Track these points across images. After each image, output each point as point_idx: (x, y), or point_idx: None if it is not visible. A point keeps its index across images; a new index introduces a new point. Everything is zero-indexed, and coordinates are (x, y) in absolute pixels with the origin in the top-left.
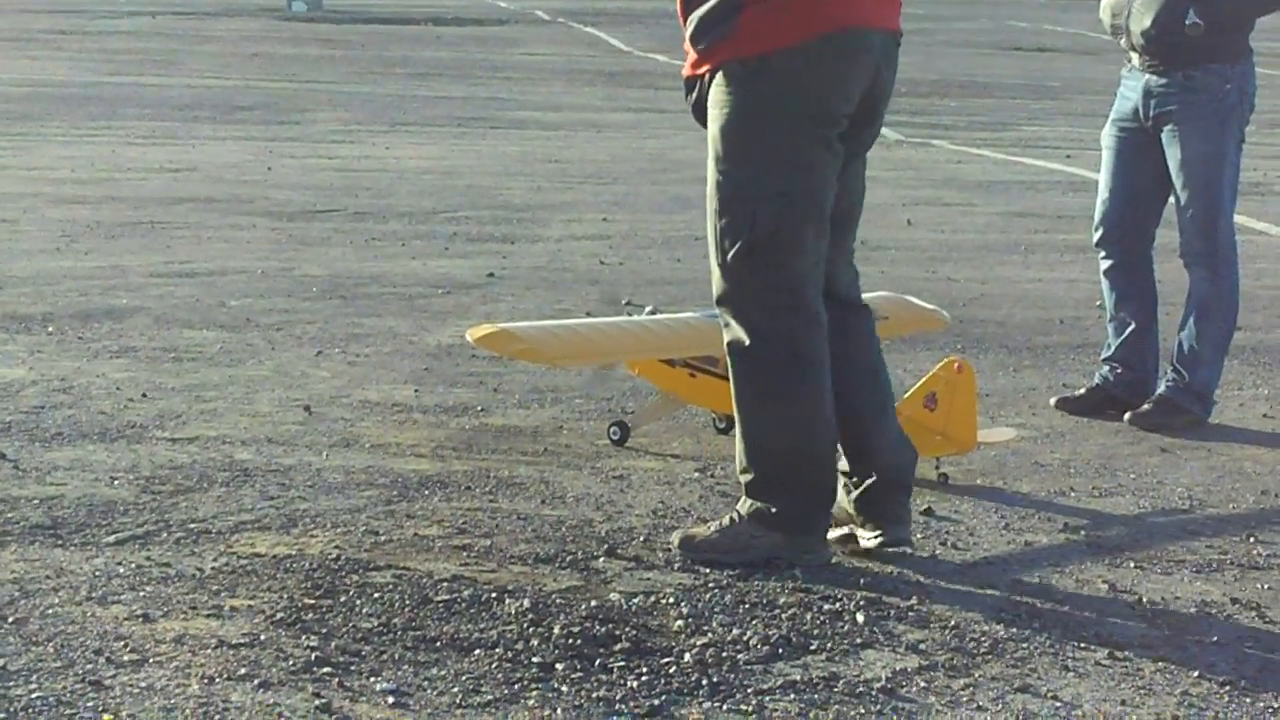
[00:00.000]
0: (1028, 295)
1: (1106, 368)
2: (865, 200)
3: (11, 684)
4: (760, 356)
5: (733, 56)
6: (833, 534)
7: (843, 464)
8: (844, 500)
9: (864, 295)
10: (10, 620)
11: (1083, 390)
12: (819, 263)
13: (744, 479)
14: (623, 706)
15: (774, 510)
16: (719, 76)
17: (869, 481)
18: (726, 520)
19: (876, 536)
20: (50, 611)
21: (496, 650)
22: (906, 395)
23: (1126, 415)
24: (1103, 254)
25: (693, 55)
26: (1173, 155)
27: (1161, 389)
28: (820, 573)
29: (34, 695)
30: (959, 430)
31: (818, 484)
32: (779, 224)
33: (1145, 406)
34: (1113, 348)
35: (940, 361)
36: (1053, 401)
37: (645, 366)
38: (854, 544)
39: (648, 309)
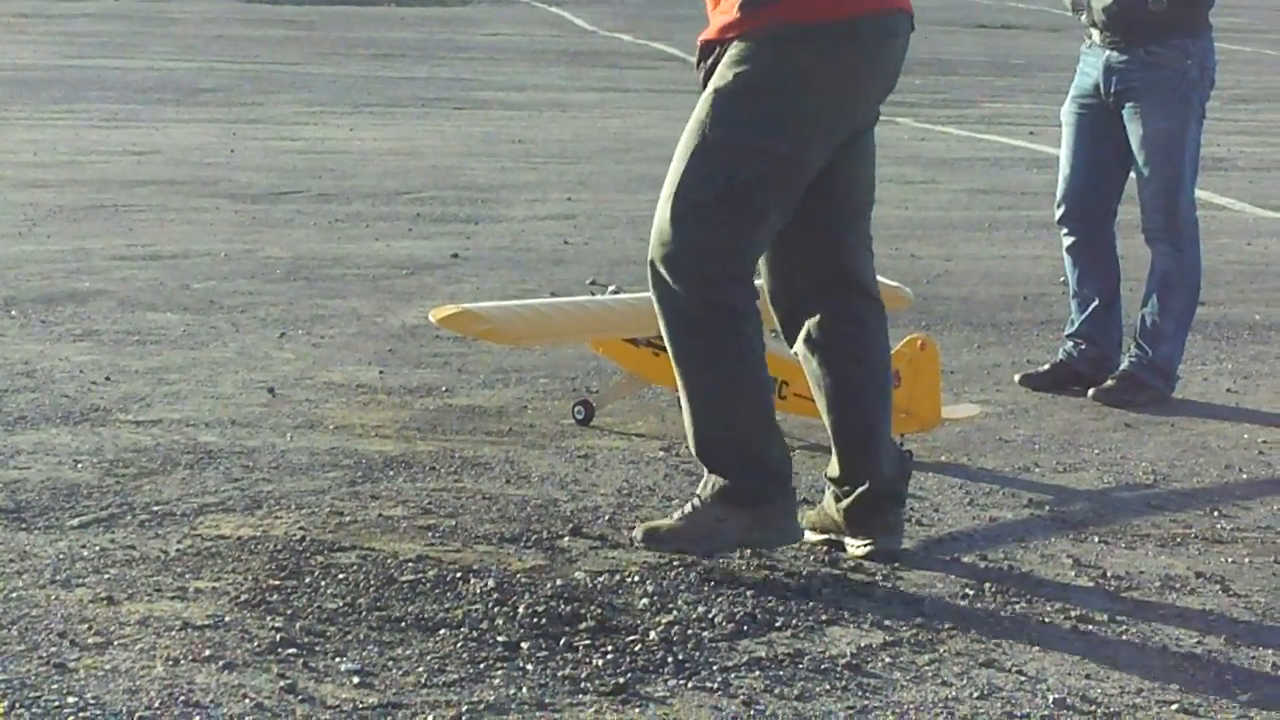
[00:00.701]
0: (992, 272)
1: (1070, 344)
2: None
3: None
4: (692, 320)
5: (776, 21)
6: (813, 537)
7: (832, 469)
8: (831, 508)
9: None
10: None
11: (1046, 366)
12: (761, 248)
13: (698, 455)
14: (588, 685)
15: (730, 485)
16: (746, 41)
17: (861, 489)
18: (689, 507)
19: (865, 545)
20: (14, 595)
21: (462, 630)
22: None
23: (1090, 391)
24: (1065, 230)
25: (730, 17)
26: (1134, 131)
27: (1125, 365)
28: (784, 550)
29: None
30: (923, 407)
31: (766, 458)
32: (758, 183)
33: (1109, 382)
34: (1076, 324)
35: (904, 339)
36: (1016, 378)
37: (609, 346)
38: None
39: (611, 288)
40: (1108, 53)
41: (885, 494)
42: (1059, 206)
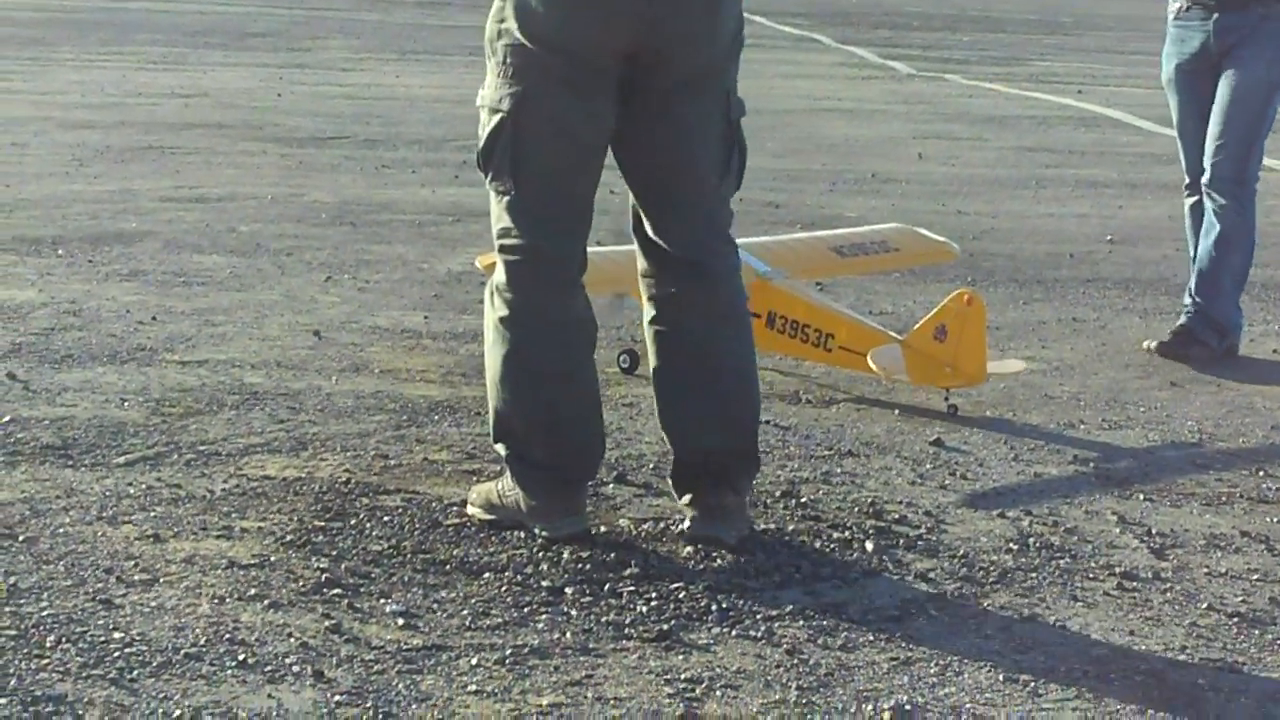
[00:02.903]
0: (1038, 230)
1: (1191, 305)
2: (874, 133)
3: (23, 601)
4: (489, 294)
5: None
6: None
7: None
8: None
9: (874, 227)
10: (21, 539)
11: (1169, 336)
12: (547, 212)
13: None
14: (632, 631)
15: (506, 459)
16: None
17: (672, 459)
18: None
19: (688, 519)
20: (61, 531)
21: (506, 574)
22: (916, 327)
23: (1151, 343)
24: (1189, 194)
25: None
26: (1228, 78)
27: (1181, 320)
28: (829, 502)
29: (45, 613)
30: (968, 363)
31: (527, 453)
32: (492, 145)
33: (1166, 337)
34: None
35: (950, 294)
36: (1150, 345)
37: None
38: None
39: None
40: (1217, 15)
41: (693, 467)
42: (1188, 173)
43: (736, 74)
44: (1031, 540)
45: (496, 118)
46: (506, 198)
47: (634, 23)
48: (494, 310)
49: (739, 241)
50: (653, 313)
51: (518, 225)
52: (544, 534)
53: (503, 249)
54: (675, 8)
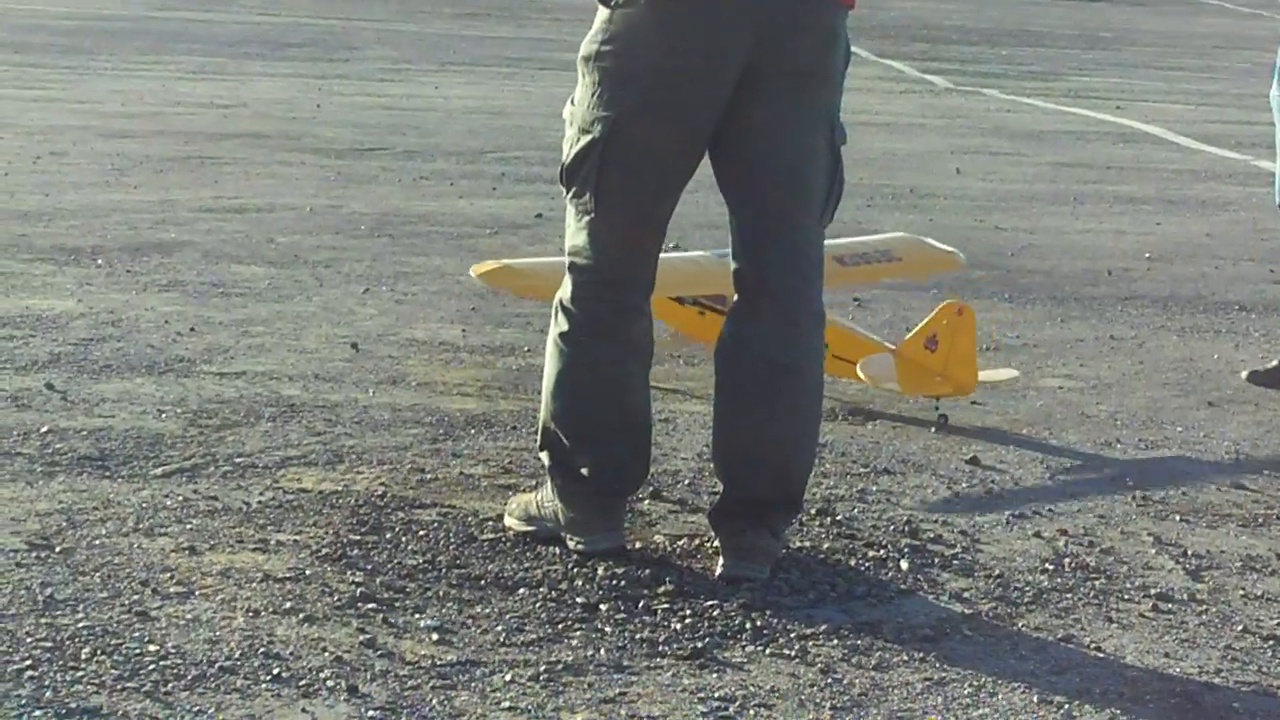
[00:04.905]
0: (1076, 246)
1: None
2: (912, 147)
3: (59, 613)
4: (555, 307)
5: None
6: None
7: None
8: None
9: (880, 236)
10: (58, 549)
11: (1275, 363)
12: (610, 245)
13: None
14: (666, 648)
15: (549, 471)
16: None
17: (718, 496)
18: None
19: (723, 559)
20: (97, 542)
21: (541, 590)
22: (908, 337)
23: (1244, 374)
24: None
25: None
26: None
27: None
28: (864, 520)
29: (80, 624)
30: (959, 371)
31: (571, 465)
32: (578, 165)
33: (1273, 363)
34: None
35: (941, 304)
36: (1244, 375)
37: (657, 304)
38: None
39: (672, 244)
40: None
41: (736, 503)
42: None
43: (840, 99)
44: (1067, 560)
45: (586, 139)
46: (586, 217)
47: (751, 32)
48: (556, 325)
49: None
50: (725, 341)
51: (592, 246)
52: (581, 547)
53: (573, 266)
54: (791, 12)
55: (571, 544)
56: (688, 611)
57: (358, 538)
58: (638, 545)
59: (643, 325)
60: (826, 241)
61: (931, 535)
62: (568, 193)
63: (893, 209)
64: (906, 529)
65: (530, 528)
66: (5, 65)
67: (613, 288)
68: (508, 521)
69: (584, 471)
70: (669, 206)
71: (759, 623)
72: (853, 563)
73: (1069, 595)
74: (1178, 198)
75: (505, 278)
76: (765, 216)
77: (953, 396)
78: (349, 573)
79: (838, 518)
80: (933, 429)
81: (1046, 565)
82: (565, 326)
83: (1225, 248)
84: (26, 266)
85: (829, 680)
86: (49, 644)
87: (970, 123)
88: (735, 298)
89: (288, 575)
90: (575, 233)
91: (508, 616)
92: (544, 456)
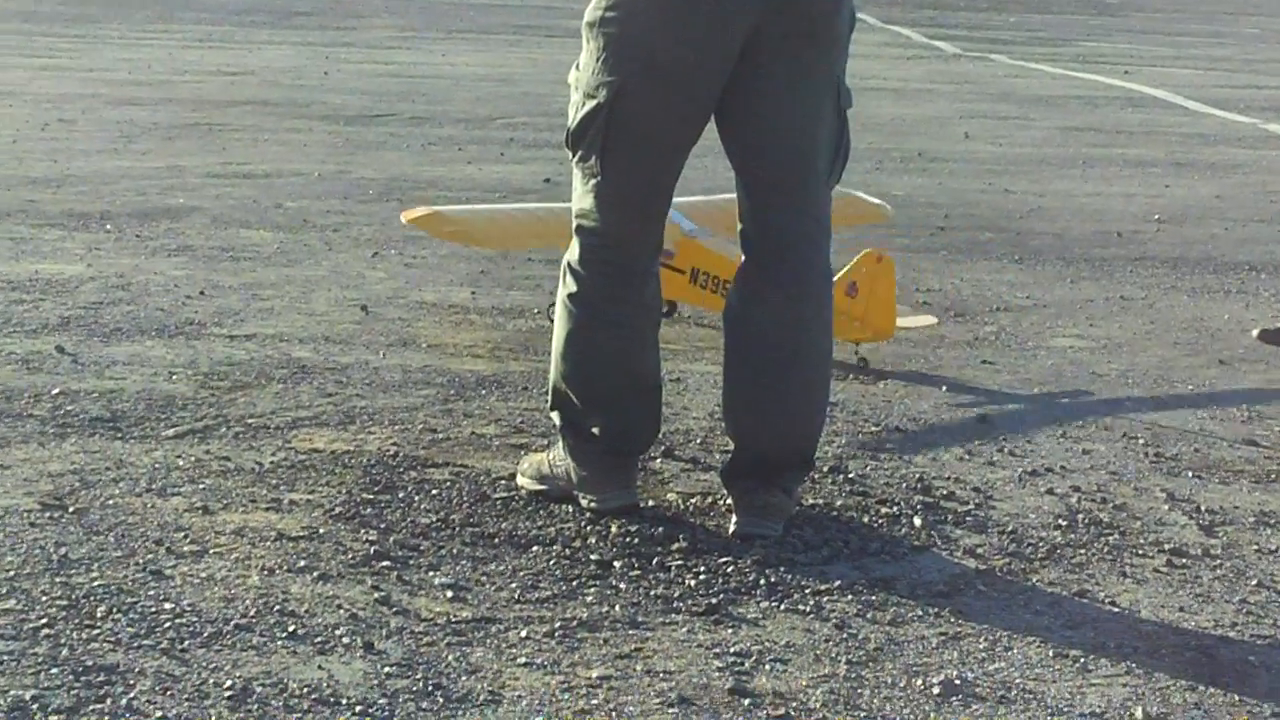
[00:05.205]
0: (1085, 208)
1: None
2: (920, 112)
3: (73, 572)
4: (563, 269)
5: None
6: None
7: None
8: None
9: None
10: (71, 510)
11: None
12: (615, 206)
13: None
14: (680, 604)
15: (560, 429)
16: None
17: (729, 455)
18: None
19: (735, 517)
20: (111, 502)
21: (554, 547)
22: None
23: (1255, 332)
24: None
25: None
26: None
27: None
28: (876, 477)
29: (95, 583)
30: (878, 318)
31: (582, 426)
32: (584, 129)
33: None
34: None
35: (860, 253)
36: (1254, 334)
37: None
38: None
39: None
40: None
41: (748, 463)
42: None
43: (846, 63)
44: (1080, 517)
45: (591, 104)
46: (593, 180)
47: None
48: (564, 286)
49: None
50: (733, 303)
51: (598, 209)
52: (593, 506)
53: (579, 229)
54: None
55: (584, 502)
56: (702, 568)
57: (370, 497)
58: (650, 503)
59: (651, 286)
60: None
61: (944, 492)
62: (574, 157)
63: (901, 172)
64: (919, 486)
65: (543, 487)
66: (13, 34)
67: (620, 249)
68: (520, 481)
69: (595, 431)
70: (675, 170)
71: (773, 579)
72: (866, 520)
73: (1082, 551)
74: (1187, 161)
75: (434, 223)
76: (771, 180)
77: (872, 341)
78: (363, 531)
79: (850, 475)
80: (943, 387)
81: (1060, 521)
82: (574, 288)
83: (1235, 209)
84: (36, 232)
85: (844, 635)
86: (64, 602)
87: (978, 88)
88: (742, 258)
89: (301, 534)
90: (582, 196)
91: (522, 574)
92: (555, 416)
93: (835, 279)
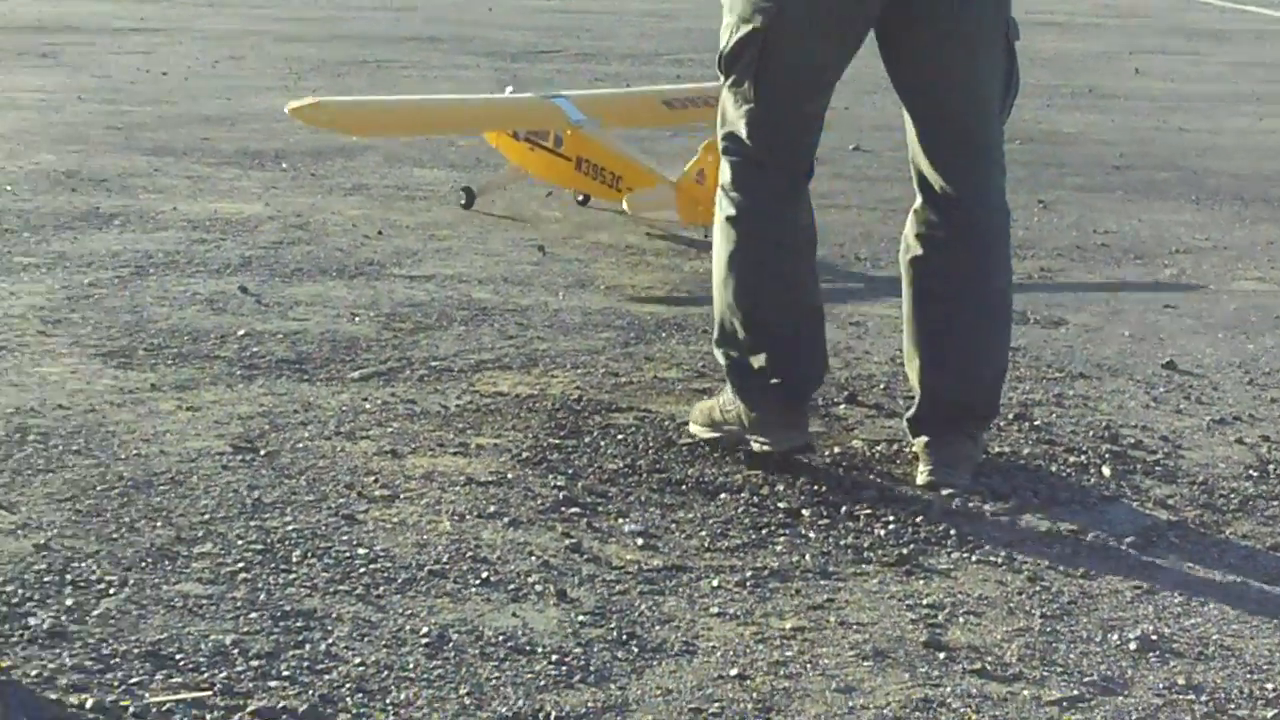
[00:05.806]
0: (1261, 146)
1: None
2: (1088, 47)
3: (267, 515)
4: (719, 193)
5: None
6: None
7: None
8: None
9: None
10: (262, 453)
11: None
12: (774, 132)
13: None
14: (871, 554)
15: (727, 371)
16: None
17: (914, 402)
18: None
19: (922, 466)
20: (300, 445)
21: (742, 495)
22: (683, 171)
23: None
24: None
25: None
26: None
27: None
28: (1062, 425)
29: (289, 527)
30: None
31: (753, 362)
32: (739, 52)
33: None
34: None
35: (704, 143)
36: None
37: (498, 139)
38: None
39: (508, 89)
40: None
41: (937, 410)
42: None
43: None
44: (1272, 467)
45: (747, 28)
46: (746, 105)
47: None
48: (721, 210)
49: (564, 94)
50: (915, 249)
51: (750, 133)
52: (766, 448)
53: (728, 150)
54: None
55: (756, 446)
56: (891, 518)
57: (557, 441)
58: (836, 450)
59: (804, 207)
60: (657, 88)
61: (1131, 441)
62: (726, 79)
63: (1072, 109)
64: (1106, 434)
65: (715, 434)
66: None
67: (773, 172)
68: (692, 429)
69: (761, 364)
70: (826, 97)
71: (964, 529)
72: (1054, 469)
73: (1275, 503)
74: None
75: (313, 114)
76: (944, 118)
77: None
78: (550, 477)
79: (1036, 423)
80: (1125, 332)
81: (1251, 472)
82: (731, 211)
83: None
84: (214, 170)
85: (1037, 588)
86: (259, 546)
87: (1146, 22)
88: (919, 201)
89: (490, 479)
90: (733, 119)
91: (711, 521)
92: (719, 355)
93: (685, 168)
